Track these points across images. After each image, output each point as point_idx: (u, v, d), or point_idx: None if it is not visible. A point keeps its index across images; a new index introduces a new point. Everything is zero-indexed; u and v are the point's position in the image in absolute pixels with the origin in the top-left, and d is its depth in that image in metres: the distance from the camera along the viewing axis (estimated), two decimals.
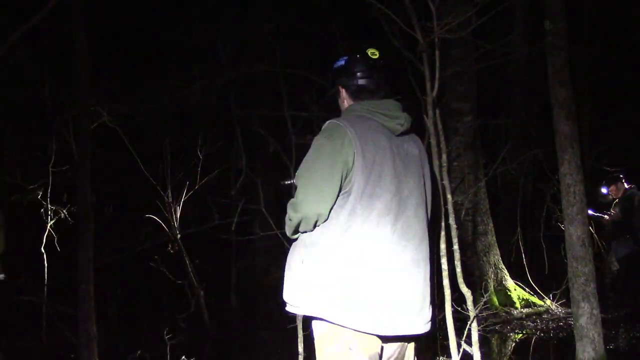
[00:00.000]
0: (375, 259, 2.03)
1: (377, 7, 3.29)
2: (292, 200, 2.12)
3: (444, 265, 2.99)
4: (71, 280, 5.18)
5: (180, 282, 6.79)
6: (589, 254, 3.93)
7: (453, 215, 3.00)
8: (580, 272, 3.90)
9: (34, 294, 6.26)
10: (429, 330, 2.14)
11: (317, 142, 2.11)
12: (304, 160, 2.12)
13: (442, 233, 3.07)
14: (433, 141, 3.05)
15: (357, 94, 2.25)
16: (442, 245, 3.07)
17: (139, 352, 4.61)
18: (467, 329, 3.07)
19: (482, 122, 7.33)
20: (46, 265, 6.47)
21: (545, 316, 6.60)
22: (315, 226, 2.09)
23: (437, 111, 3.13)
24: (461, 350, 3.04)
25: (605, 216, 7.25)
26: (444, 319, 3.12)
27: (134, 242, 6.46)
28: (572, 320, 4.02)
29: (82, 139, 4.79)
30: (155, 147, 7.61)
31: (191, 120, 7.56)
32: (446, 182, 3.03)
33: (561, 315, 6.53)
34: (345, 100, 2.29)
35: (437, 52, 3.02)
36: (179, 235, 6.74)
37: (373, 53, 2.27)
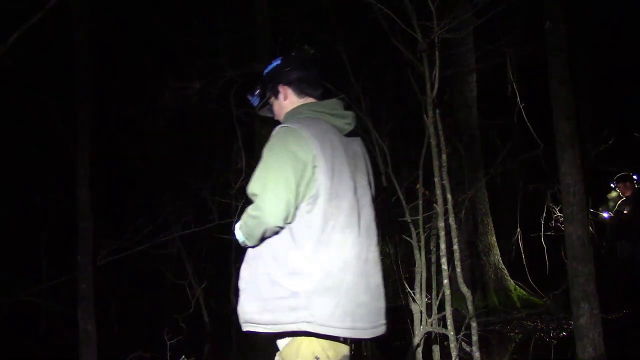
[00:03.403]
0: (351, 262, 1.96)
1: (377, 7, 3.29)
2: (252, 213, 1.98)
3: (444, 265, 2.99)
4: (71, 280, 5.18)
5: (180, 282, 6.79)
6: (589, 254, 3.94)
7: (453, 215, 3.00)
8: (580, 272, 3.90)
9: (33, 294, 6.26)
10: (385, 333, 2.08)
11: (272, 148, 1.99)
12: (260, 168, 1.99)
13: (442, 233, 3.07)
14: (433, 141, 3.05)
15: (302, 87, 2.16)
16: (442, 245, 3.07)
17: (139, 352, 4.60)
18: (464, 328, 3.07)
19: (482, 122, 7.33)
20: (45, 265, 6.47)
21: (545, 316, 6.59)
22: (275, 233, 1.98)
23: (437, 111, 3.13)
24: (461, 350, 3.04)
25: (610, 215, 7.19)
26: (444, 318, 3.12)
27: (134, 242, 6.45)
28: (572, 320, 4.02)
29: (82, 138, 4.79)
30: (155, 147, 7.62)
31: (191, 120, 7.56)
32: (446, 182, 3.03)
33: (561, 315, 6.53)
34: (289, 99, 2.18)
35: (437, 52, 3.02)
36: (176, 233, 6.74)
37: (308, 49, 2.24)
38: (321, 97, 2.19)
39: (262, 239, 2.00)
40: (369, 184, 2.16)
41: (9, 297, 6.24)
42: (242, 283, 2.05)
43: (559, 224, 7.17)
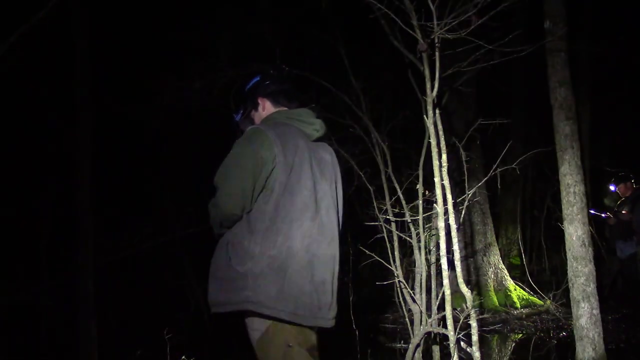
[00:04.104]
0: (298, 252, 2.12)
1: (377, 7, 3.29)
2: (212, 200, 2.24)
3: (444, 265, 2.98)
4: (71, 280, 5.18)
5: (180, 282, 6.79)
6: (589, 254, 3.94)
7: (453, 216, 2.99)
8: (580, 272, 3.90)
9: (33, 294, 6.26)
10: (333, 327, 2.22)
11: (237, 145, 2.21)
12: (223, 163, 2.22)
13: (442, 233, 3.06)
14: (433, 141, 3.05)
15: (278, 99, 2.40)
16: (442, 245, 3.07)
17: (139, 352, 4.60)
18: (464, 328, 3.06)
19: (482, 122, 7.33)
20: (45, 265, 6.47)
21: (545, 316, 6.59)
22: (235, 222, 2.18)
23: (437, 111, 3.13)
24: (461, 350, 3.04)
25: (609, 215, 7.18)
26: (444, 318, 3.12)
27: (134, 242, 6.46)
28: (572, 320, 4.02)
29: (82, 138, 4.79)
30: (155, 147, 7.62)
31: (191, 120, 7.56)
32: (446, 182, 3.02)
33: (561, 315, 6.53)
34: (266, 109, 2.41)
35: (437, 52, 3.02)
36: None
37: (283, 67, 2.52)
38: (293, 107, 2.41)
39: (224, 226, 2.23)
40: (334, 189, 2.35)
41: (9, 298, 6.25)
42: (210, 268, 2.27)
43: (559, 224, 7.16)
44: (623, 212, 6.97)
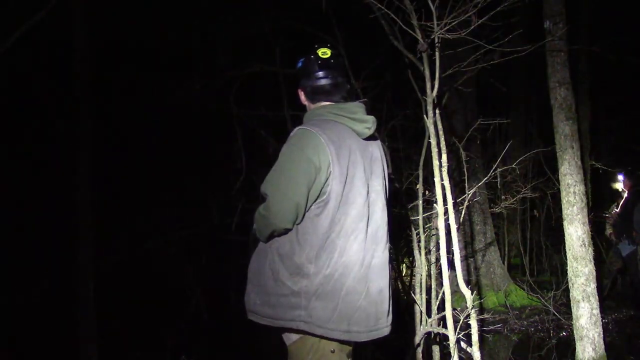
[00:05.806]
0: (354, 267, 2.00)
1: (377, 7, 3.29)
2: (262, 212, 2.02)
3: (444, 265, 2.98)
4: (71, 281, 5.18)
5: (180, 282, 6.79)
6: (589, 254, 3.94)
7: (453, 215, 2.99)
8: (580, 272, 3.90)
9: (33, 294, 6.26)
10: (386, 336, 2.13)
11: (288, 150, 2.01)
12: (274, 169, 2.02)
13: (442, 233, 3.06)
14: (433, 141, 3.05)
15: (313, 95, 2.20)
16: (442, 245, 3.07)
17: (139, 352, 4.60)
18: (464, 328, 3.06)
19: (482, 122, 7.33)
20: (46, 266, 6.47)
21: (545, 316, 6.59)
22: (285, 233, 2.02)
23: (437, 111, 3.13)
24: (461, 350, 3.04)
25: (613, 213, 7.16)
26: (444, 318, 3.12)
27: (134, 243, 6.46)
28: (572, 320, 4.02)
29: (82, 139, 4.79)
30: (155, 147, 7.60)
31: (191, 120, 7.56)
32: (446, 182, 3.02)
33: (561, 315, 6.53)
34: (305, 102, 2.25)
35: (437, 52, 3.02)
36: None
37: (324, 52, 2.22)
38: (338, 100, 2.20)
39: (273, 237, 2.04)
40: (384, 188, 2.18)
41: (9, 298, 6.23)
42: (250, 273, 2.13)
43: (559, 224, 7.14)
44: (613, 212, 6.99)
